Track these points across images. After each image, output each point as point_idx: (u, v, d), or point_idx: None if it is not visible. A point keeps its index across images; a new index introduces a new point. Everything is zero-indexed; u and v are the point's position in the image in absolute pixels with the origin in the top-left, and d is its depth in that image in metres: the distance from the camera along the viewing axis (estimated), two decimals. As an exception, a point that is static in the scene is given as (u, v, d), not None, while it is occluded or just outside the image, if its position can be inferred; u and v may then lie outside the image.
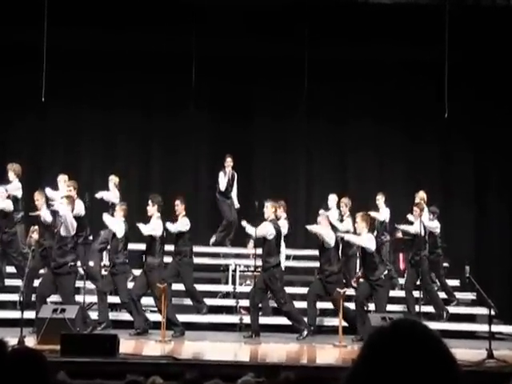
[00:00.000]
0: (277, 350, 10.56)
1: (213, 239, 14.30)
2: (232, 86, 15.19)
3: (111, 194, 13.50)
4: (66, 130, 15.34)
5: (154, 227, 11.56)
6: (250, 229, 11.81)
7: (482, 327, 11.63)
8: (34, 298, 11.35)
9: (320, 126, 15.72)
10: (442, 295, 12.92)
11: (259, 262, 11.77)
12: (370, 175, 15.51)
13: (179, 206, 12.23)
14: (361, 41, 14.35)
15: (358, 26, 14.20)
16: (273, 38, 14.43)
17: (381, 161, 15.81)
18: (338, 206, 13.70)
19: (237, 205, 14.44)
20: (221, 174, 14.33)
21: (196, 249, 12.71)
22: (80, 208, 11.97)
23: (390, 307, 11.82)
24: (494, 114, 15.06)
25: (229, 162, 14.30)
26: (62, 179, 12.79)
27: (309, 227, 12.04)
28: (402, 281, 13.24)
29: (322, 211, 12.46)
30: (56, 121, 15.22)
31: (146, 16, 14.22)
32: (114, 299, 12.02)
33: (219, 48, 14.55)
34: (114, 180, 13.69)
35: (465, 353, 9.20)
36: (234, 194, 14.46)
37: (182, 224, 12.17)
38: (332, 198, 13.89)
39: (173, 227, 12.04)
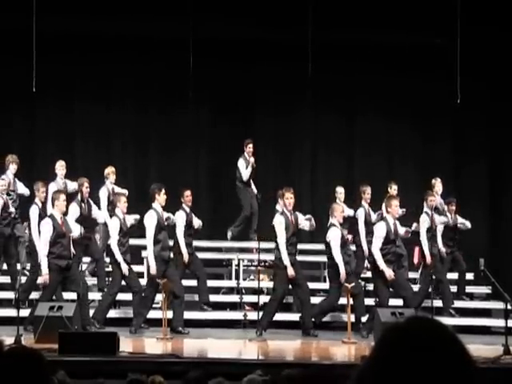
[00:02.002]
0: (283, 347, 10.32)
1: (229, 234, 13.66)
2: (232, 77, 14.69)
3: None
4: (59, 123, 14.80)
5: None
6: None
7: (498, 322, 11.33)
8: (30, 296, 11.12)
9: (326, 118, 15.24)
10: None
11: (263, 257, 11.47)
12: (378, 171, 14.99)
13: (189, 197, 12.08)
14: (369, 27, 13.89)
15: (367, 10, 13.78)
16: (274, 23, 13.97)
17: (390, 156, 15.39)
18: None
19: (255, 190, 13.57)
20: (241, 161, 13.52)
21: (198, 243, 12.40)
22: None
23: (396, 301, 11.41)
24: (509, 105, 14.57)
25: (250, 147, 13.53)
26: (61, 165, 12.39)
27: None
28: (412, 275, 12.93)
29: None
30: (47, 113, 14.71)
31: (141, 2, 13.76)
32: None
33: (217, 35, 14.08)
34: (110, 174, 13.03)
35: (480, 349, 8.97)
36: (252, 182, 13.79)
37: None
38: (340, 191, 13.38)
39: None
